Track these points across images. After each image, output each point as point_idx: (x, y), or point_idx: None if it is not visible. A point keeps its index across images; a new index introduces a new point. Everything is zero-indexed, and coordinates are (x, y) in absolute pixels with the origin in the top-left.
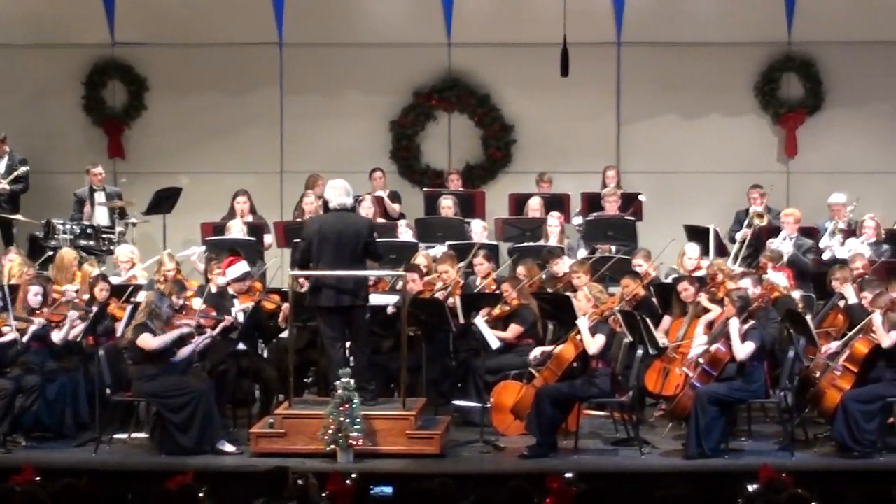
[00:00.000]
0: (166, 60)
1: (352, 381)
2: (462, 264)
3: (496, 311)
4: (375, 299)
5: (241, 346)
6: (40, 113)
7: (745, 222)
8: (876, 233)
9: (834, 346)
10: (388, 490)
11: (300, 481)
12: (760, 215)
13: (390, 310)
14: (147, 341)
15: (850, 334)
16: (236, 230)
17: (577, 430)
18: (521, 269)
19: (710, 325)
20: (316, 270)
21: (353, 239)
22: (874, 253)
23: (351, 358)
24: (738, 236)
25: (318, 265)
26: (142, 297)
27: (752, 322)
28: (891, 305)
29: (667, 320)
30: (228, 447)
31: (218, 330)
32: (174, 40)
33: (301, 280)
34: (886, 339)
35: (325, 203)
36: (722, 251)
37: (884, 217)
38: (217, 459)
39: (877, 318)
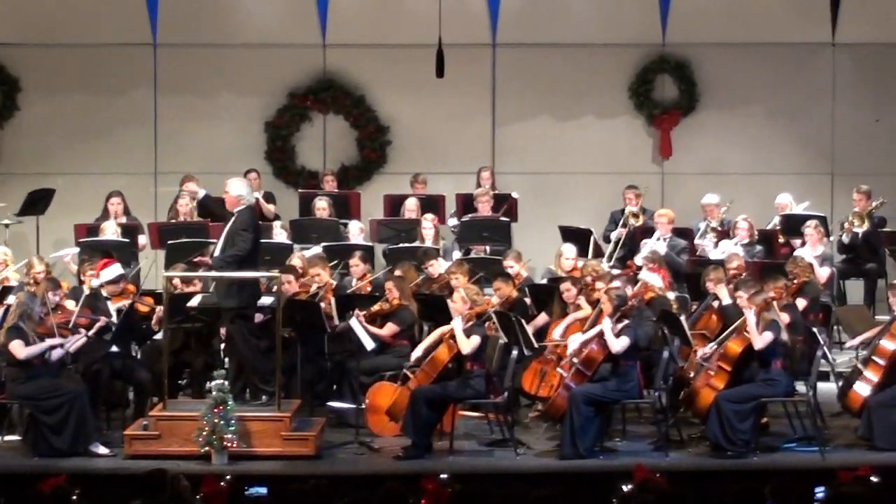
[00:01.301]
0: (39, 61)
1: (226, 383)
2: (333, 263)
3: (375, 307)
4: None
5: (114, 348)
6: None
7: (620, 222)
8: (749, 234)
9: (708, 348)
10: (263, 490)
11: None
12: (636, 215)
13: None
14: (17, 350)
15: (724, 334)
16: (110, 232)
17: (452, 432)
18: (398, 271)
19: (582, 324)
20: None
21: None
22: (747, 254)
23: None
24: (613, 236)
25: (256, 261)
26: (12, 299)
27: (625, 321)
28: (765, 305)
29: (540, 320)
30: (102, 449)
31: (94, 331)
32: (47, 40)
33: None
34: (759, 341)
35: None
36: (598, 252)
37: (757, 218)
38: (91, 462)
39: (750, 317)
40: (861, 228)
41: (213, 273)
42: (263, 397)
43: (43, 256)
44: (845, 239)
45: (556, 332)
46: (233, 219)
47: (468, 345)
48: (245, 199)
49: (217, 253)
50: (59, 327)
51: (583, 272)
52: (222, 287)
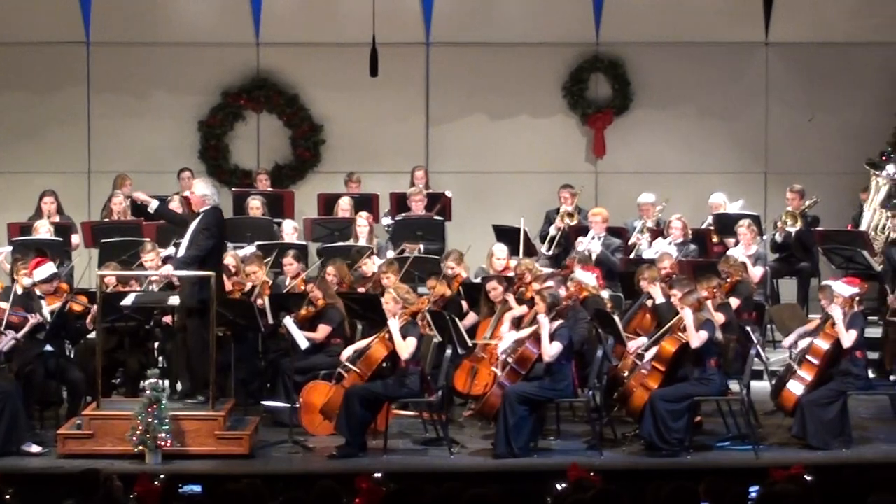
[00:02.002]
0: None
1: (160, 382)
2: (267, 260)
3: (303, 311)
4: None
5: (48, 347)
6: None
7: (556, 220)
8: (683, 233)
9: (641, 341)
10: (198, 489)
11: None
12: (570, 214)
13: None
14: None
15: (658, 333)
16: (43, 230)
17: (387, 430)
18: (330, 269)
19: (517, 322)
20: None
21: None
22: (680, 253)
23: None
24: (552, 229)
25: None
26: None
27: (560, 321)
28: (698, 305)
29: (468, 319)
30: (34, 448)
31: (26, 329)
32: None
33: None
34: (695, 339)
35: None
36: (531, 251)
37: (690, 217)
38: (23, 461)
39: (688, 316)
40: (794, 227)
41: (146, 272)
42: (199, 396)
43: None
44: (778, 238)
45: (487, 332)
46: (197, 219)
47: (406, 349)
48: (210, 198)
49: (181, 253)
50: None
51: (516, 270)
52: (186, 286)
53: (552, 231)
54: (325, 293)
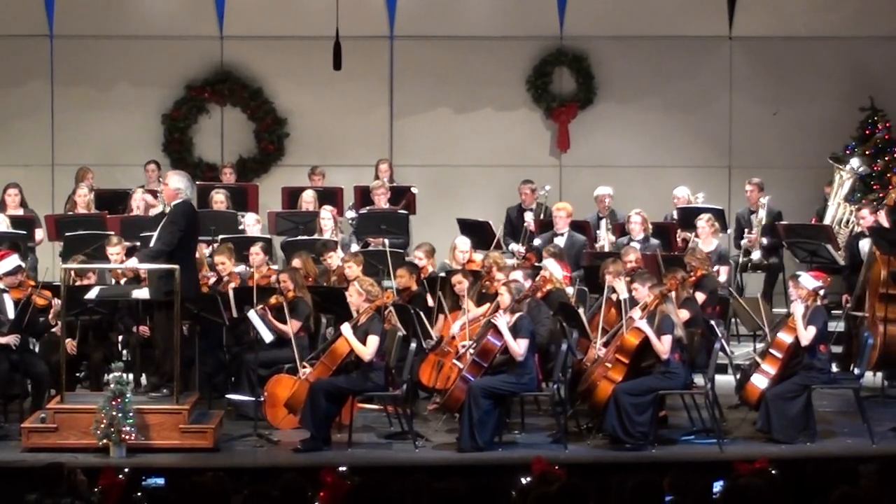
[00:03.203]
0: None
1: (124, 375)
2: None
3: (272, 300)
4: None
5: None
6: None
7: (533, 213)
8: (643, 227)
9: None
10: (161, 481)
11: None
12: (540, 205)
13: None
14: None
15: (622, 324)
16: (1, 224)
17: (351, 424)
18: (296, 262)
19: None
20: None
21: None
22: (643, 248)
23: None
24: (529, 219)
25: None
26: None
27: (518, 314)
28: (661, 298)
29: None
30: None
31: None
32: None
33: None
34: (660, 345)
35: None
36: (496, 245)
37: (654, 211)
38: None
39: (670, 307)
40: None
41: (110, 265)
42: (164, 390)
43: None
44: (755, 256)
45: (454, 326)
46: (169, 212)
47: (366, 352)
48: (183, 192)
49: (150, 245)
50: None
51: (484, 263)
52: (153, 280)
53: (528, 218)
54: (296, 284)
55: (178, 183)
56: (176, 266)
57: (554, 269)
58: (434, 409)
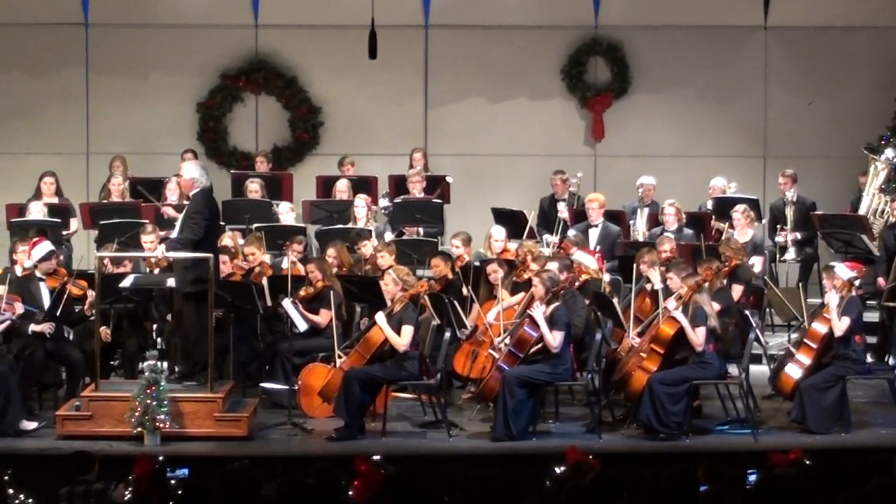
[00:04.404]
0: None
1: (159, 363)
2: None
3: (302, 292)
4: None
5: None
6: None
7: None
8: (676, 218)
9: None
10: (185, 472)
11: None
12: (572, 194)
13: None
14: None
15: (657, 314)
16: (36, 211)
17: (385, 413)
18: (330, 251)
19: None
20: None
21: None
22: (676, 238)
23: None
24: (562, 208)
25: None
26: None
27: (555, 304)
28: (696, 287)
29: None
30: (30, 425)
31: (19, 312)
32: None
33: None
34: (694, 336)
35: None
36: (530, 234)
37: (688, 201)
38: (20, 442)
39: (703, 298)
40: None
41: (145, 254)
42: (193, 380)
43: None
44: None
45: (490, 315)
46: (189, 202)
47: (401, 342)
48: (199, 181)
49: (174, 235)
50: None
51: (518, 253)
52: (178, 269)
53: (562, 213)
54: (324, 274)
55: (192, 172)
56: (209, 255)
57: (585, 260)
58: (468, 398)
